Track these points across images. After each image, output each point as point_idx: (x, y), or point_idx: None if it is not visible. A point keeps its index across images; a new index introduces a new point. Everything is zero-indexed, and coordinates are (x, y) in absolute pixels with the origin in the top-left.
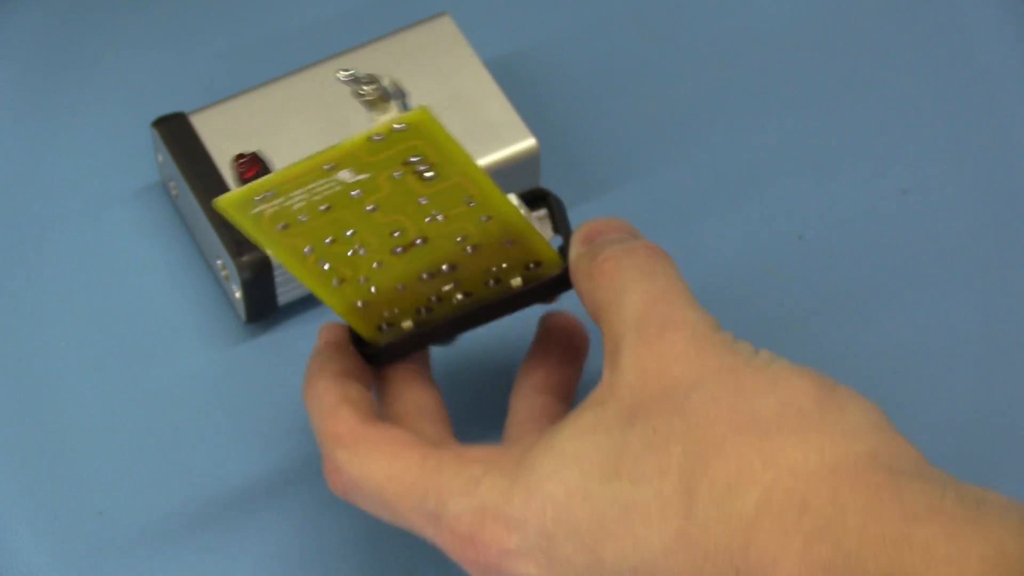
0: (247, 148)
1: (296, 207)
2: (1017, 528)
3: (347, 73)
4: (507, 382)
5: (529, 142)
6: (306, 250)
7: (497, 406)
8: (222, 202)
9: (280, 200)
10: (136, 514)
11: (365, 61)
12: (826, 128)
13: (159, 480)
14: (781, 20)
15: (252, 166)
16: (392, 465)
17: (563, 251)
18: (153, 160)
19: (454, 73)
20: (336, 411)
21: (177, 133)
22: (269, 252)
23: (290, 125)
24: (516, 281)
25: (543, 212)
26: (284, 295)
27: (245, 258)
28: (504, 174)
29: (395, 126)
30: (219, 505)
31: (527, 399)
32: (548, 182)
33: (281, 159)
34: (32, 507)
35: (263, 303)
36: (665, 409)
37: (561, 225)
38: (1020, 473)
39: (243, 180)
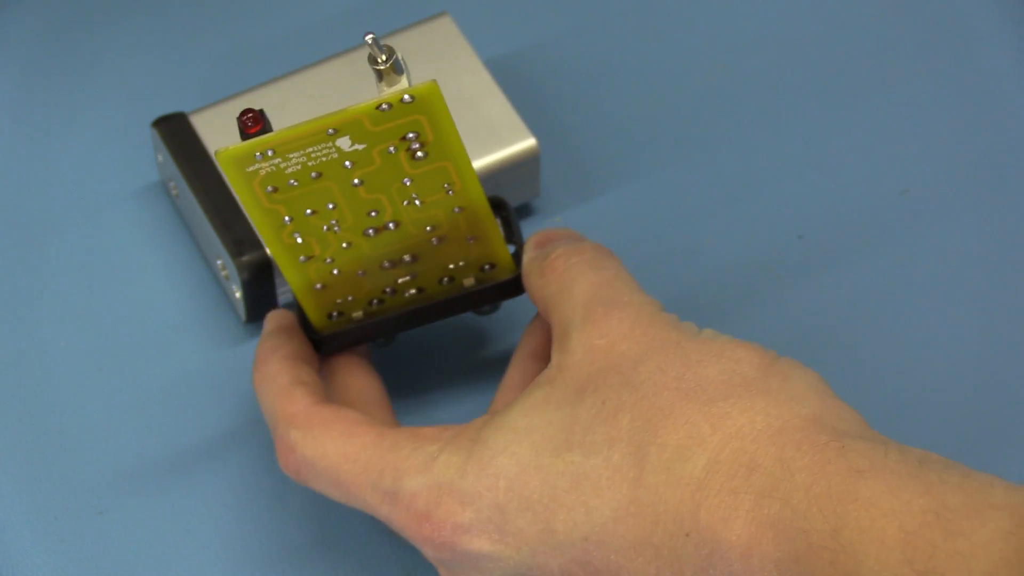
0: None
1: (290, 171)
2: (957, 483)
3: (371, 36)
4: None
5: (529, 142)
6: (286, 219)
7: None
8: (223, 154)
9: (277, 161)
10: (136, 514)
11: (365, 61)
12: (826, 128)
13: (159, 480)
14: (781, 20)
15: (257, 122)
16: (347, 444)
17: (516, 258)
18: (153, 160)
19: (454, 73)
20: (290, 391)
21: (177, 133)
22: (250, 215)
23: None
24: (469, 281)
25: (498, 221)
26: (284, 295)
27: (245, 258)
28: (504, 174)
29: (404, 97)
30: (219, 505)
31: (522, 365)
32: (548, 182)
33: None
34: (32, 507)
35: (263, 303)
36: (613, 382)
37: (515, 234)
38: (1017, 473)
39: (247, 135)
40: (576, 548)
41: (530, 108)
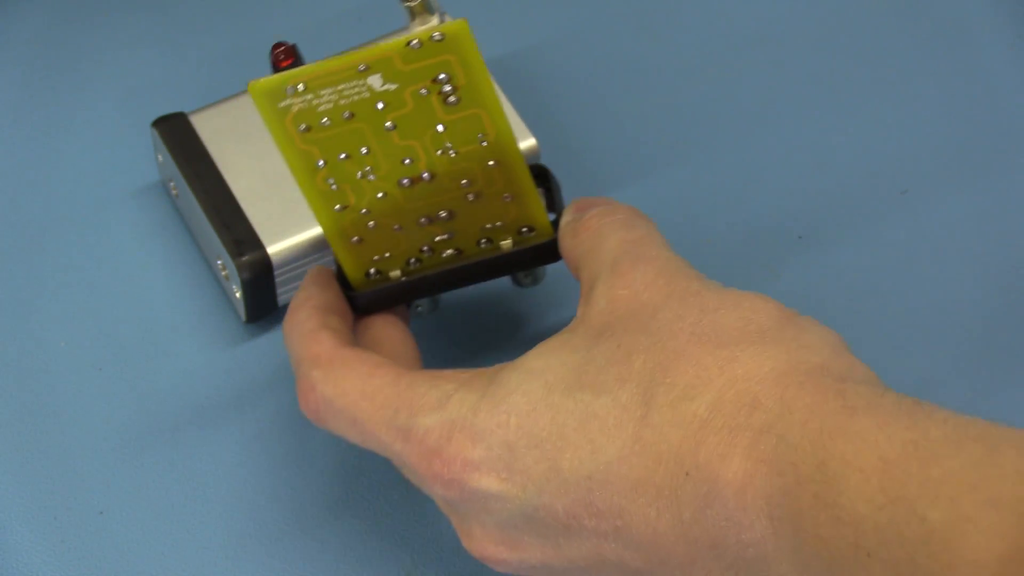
0: (246, 148)
1: (322, 108)
2: (942, 418)
3: None
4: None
5: (529, 142)
6: (319, 162)
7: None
8: (256, 86)
9: (309, 97)
10: (136, 514)
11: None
12: (826, 128)
13: (159, 480)
14: (781, 20)
15: (289, 55)
16: (367, 383)
17: (556, 224)
18: (153, 160)
19: None
20: (315, 334)
21: (177, 133)
22: (284, 156)
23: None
24: (507, 243)
25: (540, 191)
26: (284, 295)
27: (245, 258)
28: None
29: (434, 35)
30: (219, 504)
31: None
32: None
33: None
34: (32, 507)
35: (263, 303)
36: (631, 327)
37: (557, 204)
38: None
39: (278, 69)
40: (580, 487)
41: (530, 108)
